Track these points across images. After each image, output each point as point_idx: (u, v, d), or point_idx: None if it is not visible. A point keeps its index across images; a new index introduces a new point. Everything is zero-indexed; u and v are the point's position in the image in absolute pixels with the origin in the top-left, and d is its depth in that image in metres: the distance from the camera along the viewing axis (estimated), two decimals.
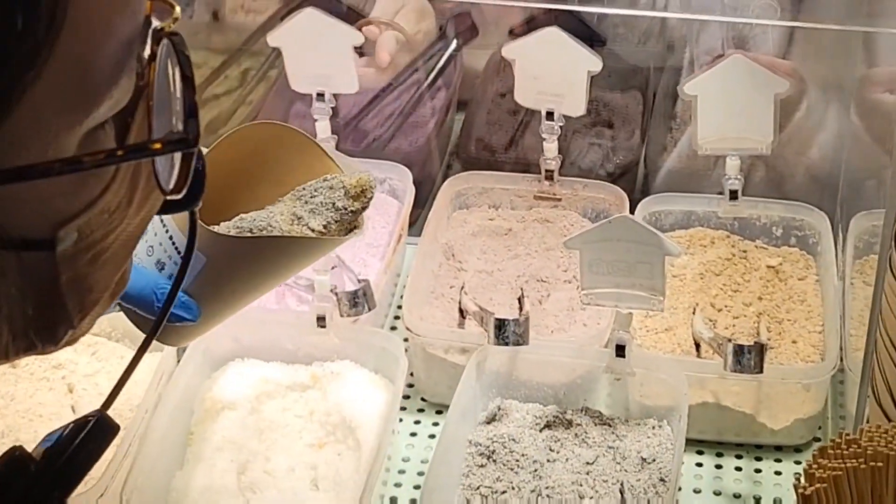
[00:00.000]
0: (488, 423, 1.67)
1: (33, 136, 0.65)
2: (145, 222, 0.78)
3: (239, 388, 1.70)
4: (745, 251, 1.91)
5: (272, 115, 2.19)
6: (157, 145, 0.71)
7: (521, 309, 1.78)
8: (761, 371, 1.59)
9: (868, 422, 1.50)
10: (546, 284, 1.87)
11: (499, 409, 1.68)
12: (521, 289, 1.84)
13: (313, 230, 1.29)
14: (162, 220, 1.26)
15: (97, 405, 1.65)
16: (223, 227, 1.28)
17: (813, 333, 1.78)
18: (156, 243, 1.28)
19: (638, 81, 2.24)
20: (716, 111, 1.82)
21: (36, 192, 0.67)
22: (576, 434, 1.65)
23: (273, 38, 1.91)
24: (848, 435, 1.35)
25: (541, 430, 1.65)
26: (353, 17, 1.99)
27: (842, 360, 1.68)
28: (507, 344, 1.64)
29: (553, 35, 1.82)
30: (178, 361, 1.70)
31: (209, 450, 1.63)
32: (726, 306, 1.82)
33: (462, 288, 1.85)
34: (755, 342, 1.61)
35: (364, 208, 1.33)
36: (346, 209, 1.31)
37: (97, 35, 0.66)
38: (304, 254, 1.35)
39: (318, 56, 1.91)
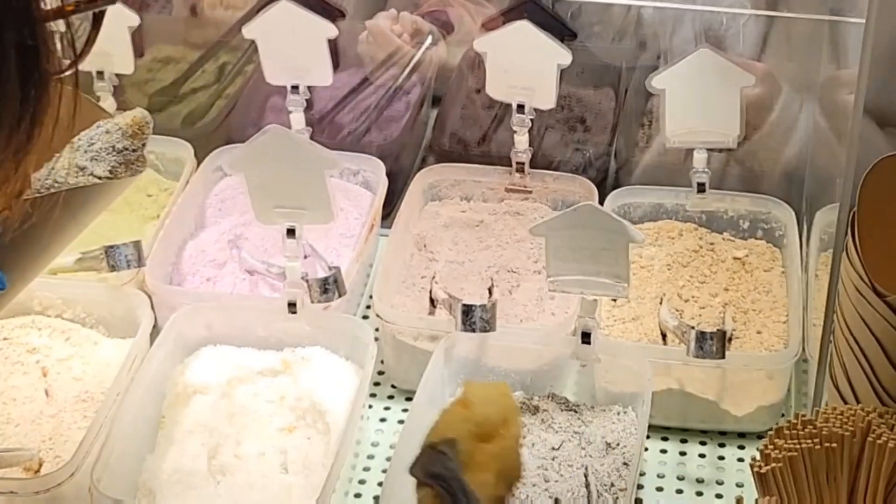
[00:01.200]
0: None
1: None
2: None
3: (210, 373, 1.72)
4: (712, 243, 1.94)
5: (249, 108, 2.21)
6: None
7: (490, 296, 1.81)
8: (723, 357, 1.62)
9: (826, 406, 1.53)
10: (516, 275, 1.90)
11: None
12: (492, 279, 1.87)
13: (100, 177, 1.33)
14: None
15: (70, 389, 1.68)
16: None
17: (778, 323, 1.81)
18: None
19: (611, 78, 2.26)
20: (683, 105, 1.85)
21: None
22: (542, 420, 1.67)
23: (248, 31, 1.94)
24: (804, 417, 1.38)
25: None
26: (329, 10, 2.01)
27: (804, 349, 1.71)
28: (474, 330, 1.66)
29: (523, 28, 1.85)
30: (150, 346, 1.72)
31: (180, 433, 1.65)
32: (693, 297, 1.85)
33: (433, 278, 1.87)
34: (717, 329, 1.64)
35: (144, 145, 1.37)
36: (126, 149, 1.36)
37: None
38: (97, 200, 1.39)
39: (293, 49, 1.94)
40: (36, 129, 0.80)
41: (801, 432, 1.36)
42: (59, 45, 0.88)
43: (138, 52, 2.02)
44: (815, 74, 2.01)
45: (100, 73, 2.02)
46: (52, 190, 1.30)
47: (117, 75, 2.03)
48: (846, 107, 1.83)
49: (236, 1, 2.40)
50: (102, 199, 1.42)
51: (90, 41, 0.88)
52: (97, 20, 0.92)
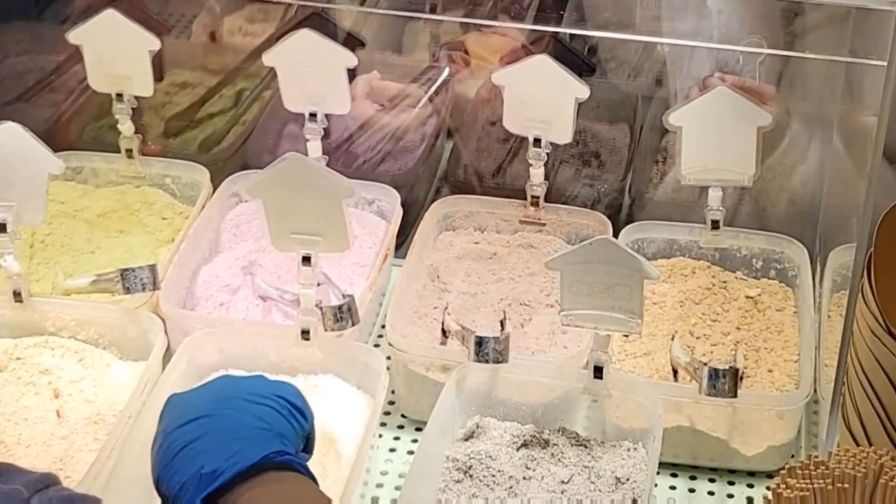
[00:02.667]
0: (466, 439, 1.69)
1: None
2: None
3: None
4: (725, 282, 1.94)
5: (265, 135, 2.22)
6: None
7: (502, 329, 1.81)
8: (735, 395, 1.62)
9: (838, 447, 1.53)
10: (528, 308, 1.90)
11: (477, 426, 1.71)
12: (504, 311, 1.87)
13: None
14: None
15: (82, 411, 1.68)
16: None
17: (789, 363, 1.81)
18: None
19: (626, 114, 2.27)
20: (700, 142, 1.86)
21: None
22: (552, 454, 1.67)
23: (268, 58, 1.95)
24: (816, 457, 1.38)
25: (518, 449, 1.67)
26: (348, 39, 2.02)
27: (816, 390, 1.71)
28: (486, 361, 1.67)
29: (542, 63, 1.86)
30: (163, 370, 1.72)
31: None
32: (705, 334, 1.85)
33: (445, 308, 1.87)
34: (730, 366, 1.64)
35: None
36: None
37: None
38: None
39: (312, 76, 1.95)
40: None
41: (813, 472, 1.36)
42: None
43: (157, 76, 2.03)
44: (830, 114, 2.02)
45: (119, 96, 2.03)
46: None
47: (136, 98, 2.04)
48: (862, 147, 1.84)
49: (255, 29, 2.42)
50: None
51: None
52: None
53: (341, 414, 1.70)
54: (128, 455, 1.59)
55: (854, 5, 1.57)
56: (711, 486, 1.74)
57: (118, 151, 2.10)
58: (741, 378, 1.76)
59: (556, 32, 2.01)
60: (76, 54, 2.03)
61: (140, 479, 1.61)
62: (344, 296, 1.76)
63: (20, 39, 2.35)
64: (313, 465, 1.64)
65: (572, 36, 2.16)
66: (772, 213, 2.05)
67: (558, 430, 1.70)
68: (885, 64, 1.41)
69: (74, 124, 2.27)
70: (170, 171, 2.10)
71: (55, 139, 1.95)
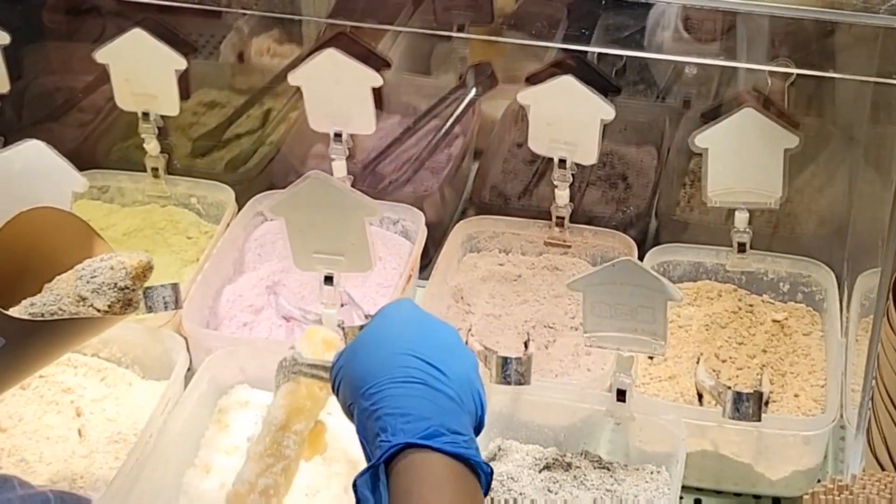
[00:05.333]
0: (488, 461, 1.68)
1: None
2: None
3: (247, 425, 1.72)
4: (751, 305, 1.93)
5: (291, 155, 2.22)
6: None
7: (525, 350, 1.80)
8: (759, 420, 1.61)
9: (863, 472, 1.51)
10: (552, 330, 1.89)
11: (499, 448, 1.70)
12: (528, 333, 1.86)
13: (98, 310, 1.42)
14: None
15: (103, 429, 1.69)
16: (17, 311, 1.40)
17: (815, 388, 1.79)
18: None
19: (653, 136, 2.26)
20: (726, 164, 1.84)
21: None
22: (574, 476, 1.66)
23: (294, 78, 1.95)
24: (840, 481, 1.36)
25: (540, 471, 1.66)
26: (374, 59, 2.02)
27: (842, 415, 1.69)
28: (509, 383, 1.65)
29: (568, 83, 1.85)
30: (185, 388, 1.72)
31: (211, 475, 1.65)
32: (730, 358, 1.84)
33: (469, 330, 1.87)
34: (754, 391, 1.62)
35: (142, 286, 1.46)
36: (128, 288, 1.45)
37: None
38: (91, 331, 1.49)
39: (338, 96, 1.94)
40: None
41: (837, 497, 1.34)
42: None
43: (184, 95, 2.04)
44: (858, 135, 2.01)
45: (145, 115, 2.03)
46: (56, 317, 1.39)
47: (162, 117, 2.05)
48: (889, 169, 1.82)
49: (283, 50, 2.42)
50: (93, 331, 1.51)
51: None
52: None
53: None
54: (149, 473, 1.59)
55: (883, 25, 1.56)
56: None
57: (145, 171, 2.11)
58: (767, 402, 1.75)
59: (583, 53, 1.99)
60: (104, 74, 2.04)
61: (160, 496, 1.61)
62: (366, 316, 1.75)
63: (49, 59, 2.36)
64: (333, 486, 1.64)
65: (599, 57, 2.15)
66: (799, 236, 2.04)
67: (581, 453, 1.69)
68: None
69: (102, 143, 2.28)
70: (195, 191, 2.11)
71: (83, 158, 1.96)
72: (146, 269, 1.47)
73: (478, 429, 1.30)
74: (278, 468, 1.47)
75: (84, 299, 1.43)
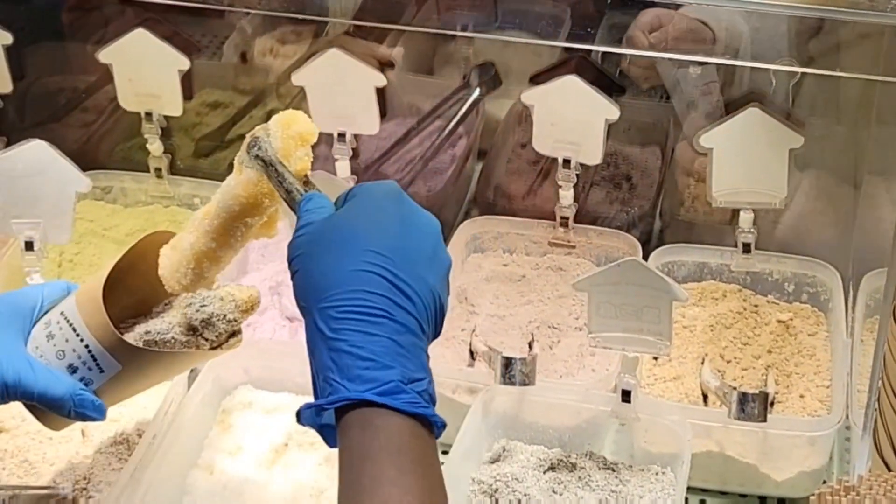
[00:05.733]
0: (492, 462, 1.68)
1: None
2: None
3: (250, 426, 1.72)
4: (756, 306, 1.92)
5: None
6: None
7: (530, 351, 1.79)
8: (765, 420, 1.60)
9: (869, 472, 1.51)
10: (557, 331, 1.88)
11: (504, 449, 1.69)
12: (532, 333, 1.86)
13: (207, 340, 1.44)
14: (74, 328, 1.40)
15: (106, 430, 1.68)
16: (132, 337, 1.43)
17: (821, 388, 1.78)
18: (67, 349, 1.41)
19: (657, 136, 2.26)
20: (731, 164, 1.84)
21: None
22: (579, 477, 1.65)
23: (297, 78, 1.95)
24: (847, 482, 1.35)
25: (544, 472, 1.65)
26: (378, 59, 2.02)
27: (848, 415, 1.68)
28: (513, 383, 1.65)
29: (572, 83, 1.85)
30: (189, 389, 1.72)
31: (216, 474, 1.65)
32: (735, 358, 1.83)
33: (473, 331, 1.86)
34: (760, 391, 1.62)
35: (245, 319, 1.46)
36: (236, 321, 1.45)
37: None
38: (197, 361, 1.56)
39: (341, 96, 1.94)
40: None
41: (843, 497, 1.34)
42: None
43: (187, 96, 2.03)
44: (863, 135, 2.00)
45: (148, 115, 2.03)
46: (167, 346, 1.43)
47: (165, 117, 2.04)
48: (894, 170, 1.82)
49: (287, 50, 2.41)
50: (198, 361, 1.58)
51: None
52: None
53: None
54: (153, 474, 1.59)
55: (890, 23, 1.55)
56: None
57: (148, 171, 2.10)
58: (772, 403, 1.74)
59: (587, 53, 1.99)
60: (107, 74, 2.03)
61: (164, 497, 1.61)
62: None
63: (51, 59, 2.36)
64: (336, 486, 1.63)
65: (604, 57, 2.14)
66: (804, 237, 2.03)
67: (586, 454, 1.69)
68: None
69: (105, 144, 2.27)
70: (199, 191, 2.10)
71: (86, 158, 1.96)
72: (255, 304, 1.46)
73: (434, 335, 1.25)
74: (219, 252, 1.42)
75: (194, 329, 1.44)
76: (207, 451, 1.69)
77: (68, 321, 1.40)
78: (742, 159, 1.83)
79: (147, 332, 1.44)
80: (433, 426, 1.19)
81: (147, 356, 1.42)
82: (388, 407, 1.15)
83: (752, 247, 1.89)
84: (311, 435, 1.68)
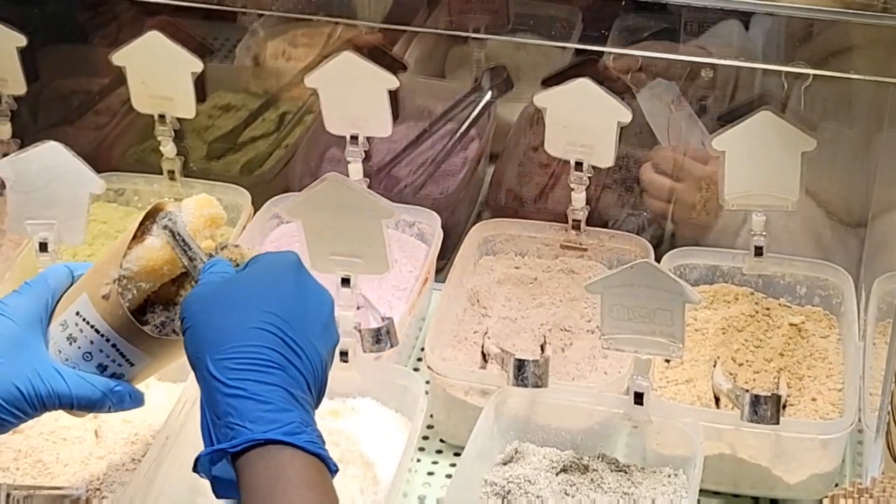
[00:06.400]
0: (505, 464, 1.68)
1: None
2: None
3: None
4: (768, 309, 1.92)
5: (307, 159, 2.22)
6: None
7: (542, 353, 1.80)
8: (777, 422, 1.60)
9: (882, 474, 1.51)
10: (569, 333, 1.89)
11: (516, 451, 1.70)
12: (544, 336, 1.86)
13: None
14: (96, 329, 1.41)
15: (120, 431, 1.69)
16: (151, 327, 1.43)
17: (833, 391, 1.78)
18: (94, 350, 1.42)
19: None
20: (743, 167, 1.84)
21: None
22: (591, 479, 1.65)
23: (310, 80, 1.96)
24: (860, 484, 1.36)
25: (557, 474, 1.66)
26: (390, 62, 2.02)
27: (860, 418, 1.68)
28: (526, 385, 1.65)
29: (584, 86, 1.85)
30: None
31: None
32: (747, 361, 1.83)
33: (485, 333, 1.86)
34: (772, 393, 1.62)
35: None
36: None
37: None
38: None
39: (354, 99, 1.95)
40: None
41: (857, 499, 1.34)
42: None
43: (200, 98, 2.04)
44: (876, 138, 2.00)
45: (161, 117, 2.04)
46: None
47: (179, 121, 2.05)
48: None
49: (299, 53, 2.42)
50: None
51: None
52: None
53: (379, 437, 1.69)
54: (166, 475, 1.59)
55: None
56: None
57: (161, 173, 2.11)
58: (784, 406, 1.74)
59: (599, 56, 1.99)
60: (120, 76, 2.04)
61: (177, 498, 1.61)
62: (383, 318, 1.75)
63: (65, 61, 2.37)
64: (352, 488, 1.64)
65: (615, 58, 2.15)
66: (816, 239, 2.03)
67: (598, 456, 1.69)
68: None
69: (118, 146, 2.28)
70: (211, 193, 2.08)
71: (100, 161, 1.96)
72: None
73: (316, 403, 1.30)
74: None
75: None
76: None
77: (87, 322, 1.40)
78: (754, 162, 1.84)
79: (168, 318, 1.44)
80: (329, 469, 1.24)
81: (175, 343, 1.41)
82: (293, 445, 1.20)
83: (764, 250, 1.89)
84: (325, 436, 1.70)
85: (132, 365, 1.42)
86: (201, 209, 1.45)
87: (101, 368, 1.42)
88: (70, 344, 1.41)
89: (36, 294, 1.46)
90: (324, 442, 1.24)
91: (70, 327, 1.41)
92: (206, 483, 1.64)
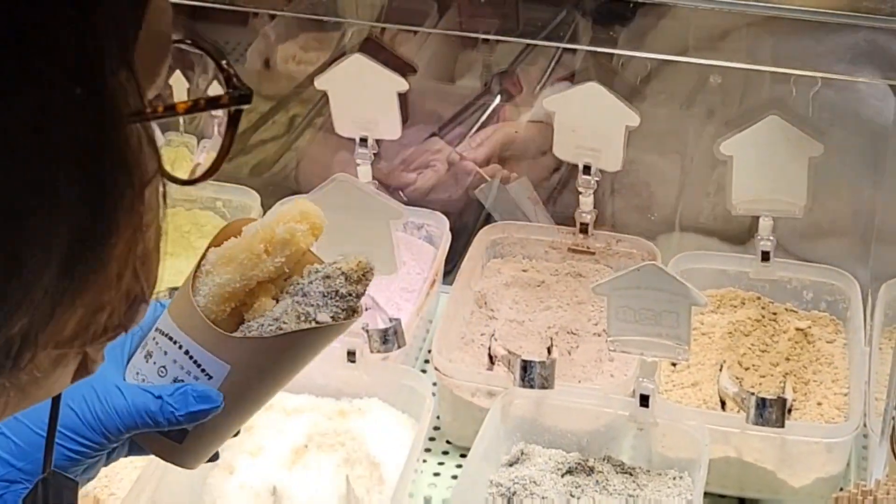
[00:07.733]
0: (510, 465, 1.69)
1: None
2: None
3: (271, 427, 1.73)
4: (774, 313, 1.93)
5: (317, 161, 2.23)
6: (226, 98, 0.73)
7: (548, 355, 1.80)
8: (782, 425, 1.61)
9: (886, 477, 1.51)
10: (576, 336, 1.89)
11: (522, 452, 1.70)
12: (551, 338, 1.87)
13: (321, 323, 1.27)
14: (171, 337, 1.25)
15: None
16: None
17: (838, 396, 1.79)
18: (168, 362, 1.25)
19: (677, 145, 2.26)
20: (751, 171, 1.84)
21: None
22: (597, 481, 1.66)
23: (320, 82, 1.96)
24: (864, 486, 1.36)
25: (562, 476, 1.66)
26: (400, 64, 2.03)
27: (865, 423, 1.69)
28: (532, 386, 1.66)
29: (593, 89, 1.86)
30: None
31: (235, 477, 1.66)
32: (753, 365, 1.84)
33: (492, 335, 1.87)
34: (778, 396, 1.62)
35: (365, 290, 1.31)
36: (350, 295, 1.29)
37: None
38: (318, 344, 1.33)
39: (364, 101, 1.95)
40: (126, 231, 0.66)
41: (861, 502, 1.34)
42: None
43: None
44: (883, 146, 2.00)
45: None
46: (279, 333, 1.25)
47: (184, 122, 2.06)
48: None
49: (309, 57, 2.43)
50: (324, 343, 1.33)
51: (222, 152, 0.74)
52: (231, 124, 0.76)
53: (385, 438, 1.70)
54: (172, 475, 1.60)
55: None
56: None
57: None
58: (790, 410, 1.74)
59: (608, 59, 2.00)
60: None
61: (184, 497, 1.62)
62: (391, 319, 1.75)
63: None
64: (357, 489, 1.64)
65: (623, 62, 2.15)
66: (823, 245, 2.04)
67: (603, 458, 1.69)
68: None
69: None
70: (221, 195, 2.12)
71: None
72: (366, 271, 1.30)
73: None
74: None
75: (306, 315, 1.27)
76: (228, 452, 1.70)
77: (163, 333, 1.24)
78: (762, 167, 1.84)
79: (248, 327, 1.26)
80: None
81: (254, 347, 1.25)
82: None
83: (771, 255, 1.89)
84: (331, 436, 1.71)
85: (210, 377, 1.24)
86: (291, 211, 1.31)
87: (178, 383, 1.25)
88: (146, 361, 1.27)
89: None
90: None
91: (149, 344, 1.27)
92: (214, 483, 1.66)
